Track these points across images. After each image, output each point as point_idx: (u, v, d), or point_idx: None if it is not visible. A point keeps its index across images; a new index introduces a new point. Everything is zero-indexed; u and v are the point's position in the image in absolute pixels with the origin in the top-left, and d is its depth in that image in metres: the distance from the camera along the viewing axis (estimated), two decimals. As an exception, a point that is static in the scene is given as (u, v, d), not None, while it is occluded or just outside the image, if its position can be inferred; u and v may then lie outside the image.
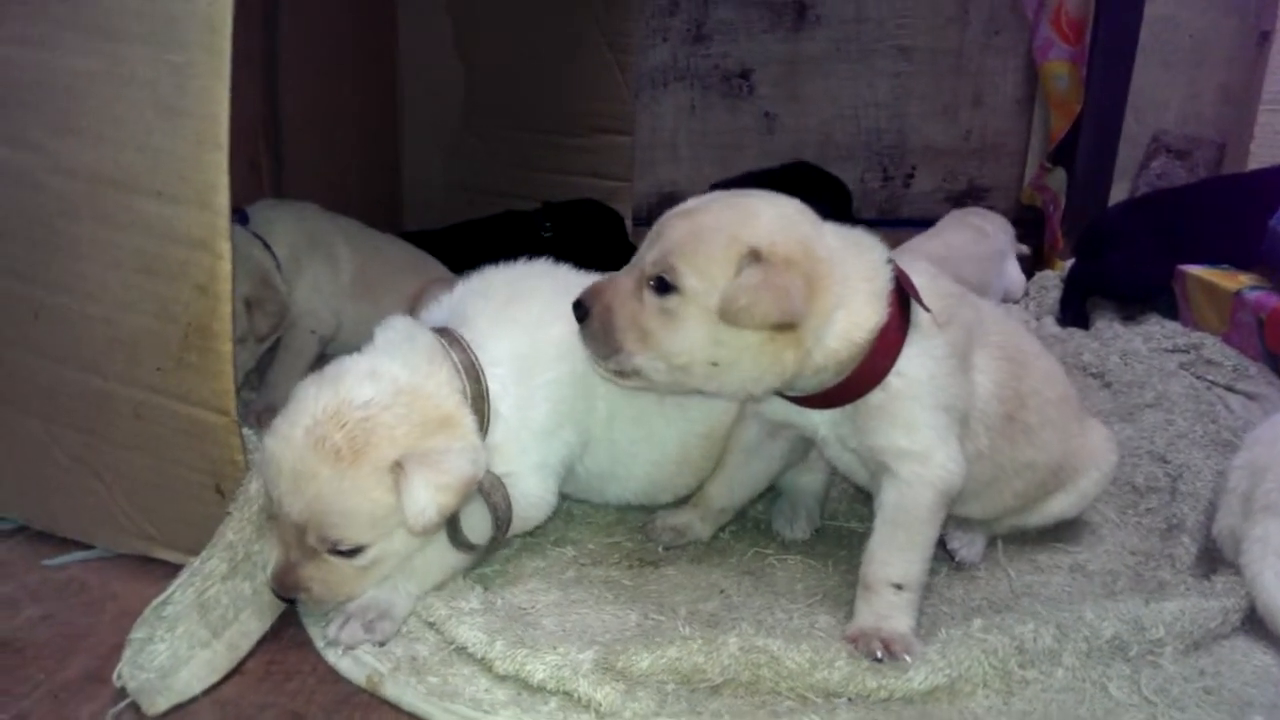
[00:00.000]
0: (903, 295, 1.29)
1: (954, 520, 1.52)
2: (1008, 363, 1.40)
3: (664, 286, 1.23)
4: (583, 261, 3.46)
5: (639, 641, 1.24)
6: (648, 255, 1.27)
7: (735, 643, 1.23)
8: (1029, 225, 3.44)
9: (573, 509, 1.68)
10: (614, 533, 1.63)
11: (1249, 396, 2.18)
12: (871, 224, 1.54)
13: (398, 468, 1.23)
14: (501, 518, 1.36)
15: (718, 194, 1.32)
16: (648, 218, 3.46)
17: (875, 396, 1.29)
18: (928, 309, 1.29)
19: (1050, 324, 2.85)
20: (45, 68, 1.34)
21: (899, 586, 1.30)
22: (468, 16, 3.33)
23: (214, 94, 1.26)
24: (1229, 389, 2.24)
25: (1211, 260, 2.68)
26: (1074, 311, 2.86)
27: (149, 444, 1.45)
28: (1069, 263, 3.05)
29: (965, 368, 1.34)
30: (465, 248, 2.91)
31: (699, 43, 3.45)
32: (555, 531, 1.60)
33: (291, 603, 1.33)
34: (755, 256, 1.20)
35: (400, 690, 1.21)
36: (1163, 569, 1.50)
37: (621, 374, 1.29)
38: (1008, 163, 3.58)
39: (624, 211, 3.26)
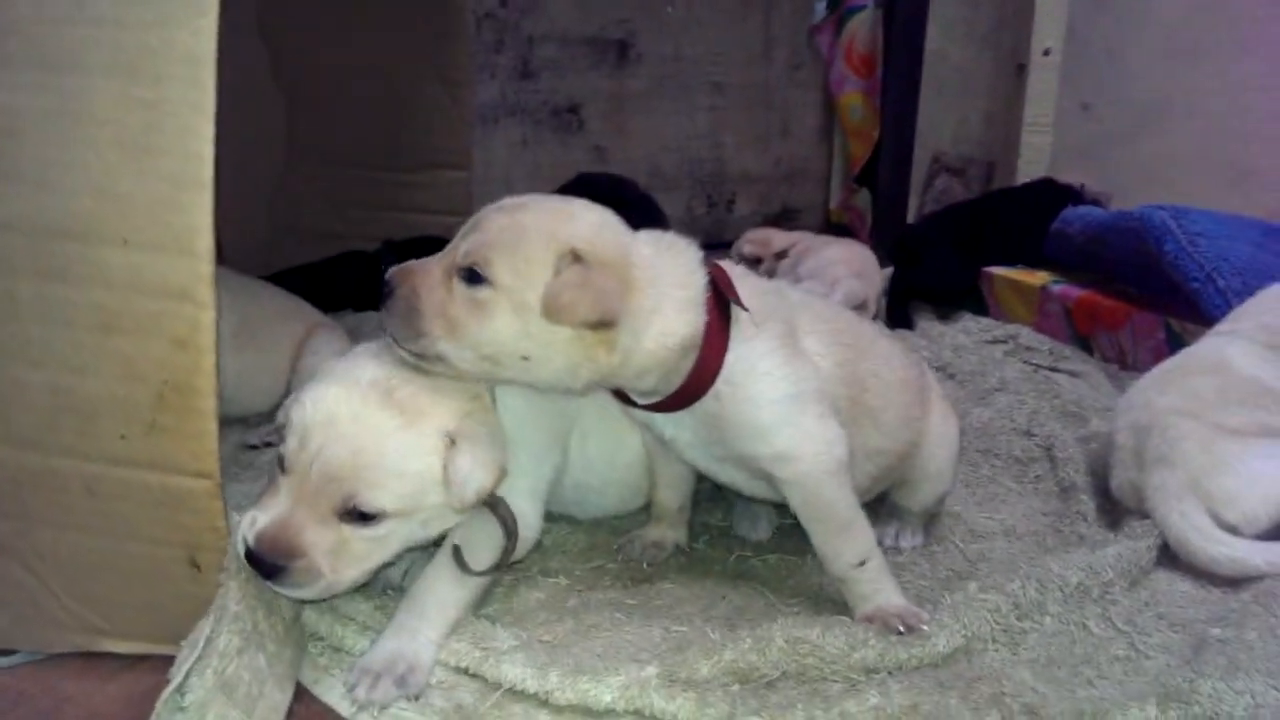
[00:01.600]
0: (722, 298, 1.33)
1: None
2: (843, 347, 1.46)
3: (475, 278, 1.23)
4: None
5: (693, 650, 1.28)
6: (461, 245, 1.27)
7: (780, 636, 1.29)
8: (838, 241, 3.76)
9: (542, 539, 1.66)
10: (592, 558, 1.63)
11: (1072, 374, 2.52)
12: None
13: (449, 438, 1.27)
14: (511, 530, 1.34)
15: (536, 195, 1.35)
16: (487, 252, 3.46)
17: (709, 405, 1.33)
18: (745, 308, 1.32)
19: (880, 327, 3.14)
20: (-30, 106, 1.18)
21: (861, 563, 1.39)
22: (287, 53, 3.17)
23: (196, 130, 1.17)
24: (1053, 370, 2.58)
25: (1006, 261, 3.08)
26: (899, 314, 3.17)
27: (103, 522, 1.29)
28: (884, 271, 3.38)
29: (797, 354, 1.38)
30: (307, 291, 2.77)
31: (527, 79, 3.50)
32: (536, 564, 1.59)
33: (268, 576, 1.23)
34: (574, 256, 1.23)
35: (462, 741, 1.17)
36: (1077, 524, 1.73)
37: (423, 358, 1.29)
38: (814, 186, 3.91)
39: (465, 247, 3.23)
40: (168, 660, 1.19)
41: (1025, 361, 2.67)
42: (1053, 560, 1.49)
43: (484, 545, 1.35)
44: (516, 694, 1.24)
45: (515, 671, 1.24)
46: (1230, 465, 1.62)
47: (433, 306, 1.25)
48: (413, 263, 1.30)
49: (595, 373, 1.28)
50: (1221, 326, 1.93)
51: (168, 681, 1.14)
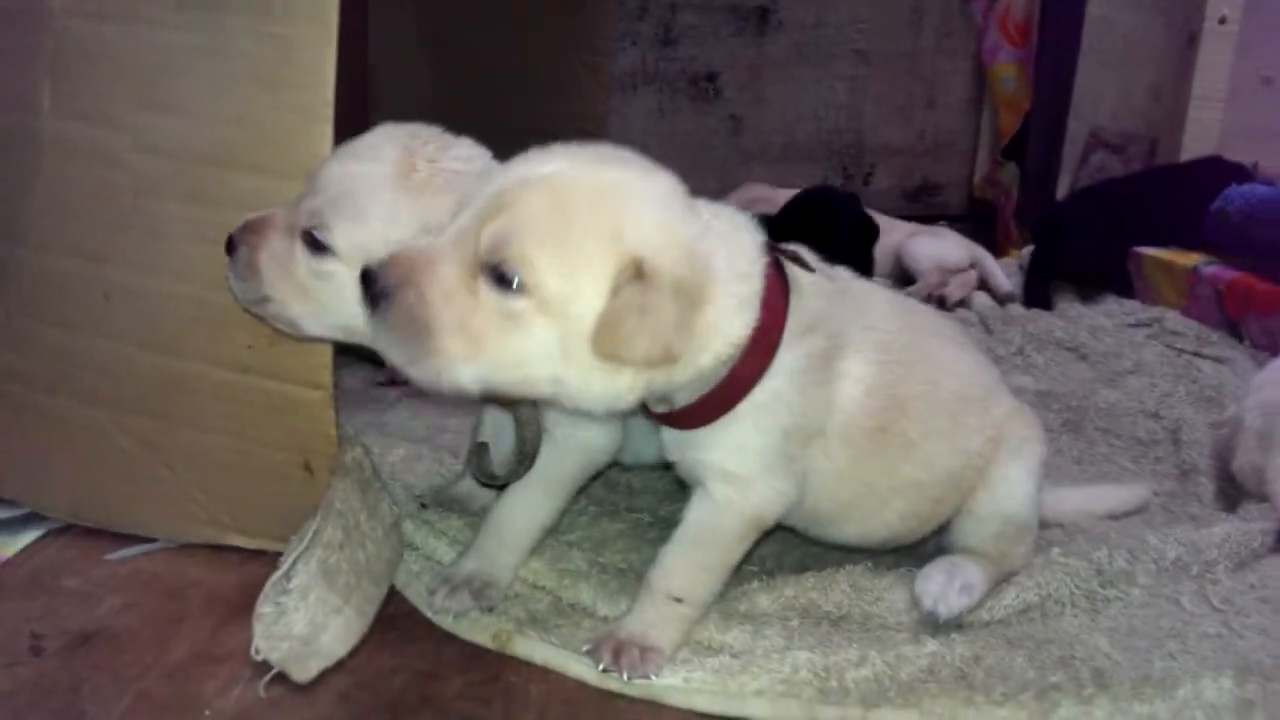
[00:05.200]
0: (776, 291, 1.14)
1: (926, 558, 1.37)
2: (890, 365, 1.23)
3: (506, 280, 0.99)
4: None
5: (756, 585, 1.32)
6: (485, 231, 1.00)
7: (845, 581, 1.31)
8: (980, 219, 3.64)
9: (631, 481, 1.72)
10: (676, 499, 1.67)
11: (1217, 360, 2.37)
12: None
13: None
14: (527, 452, 1.32)
15: (569, 152, 1.06)
16: (621, 217, 3.54)
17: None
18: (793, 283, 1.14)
19: (1015, 306, 3.02)
20: (129, 41, 1.33)
21: (679, 600, 1.19)
22: (437, 17, 3.34)
23: (320, 67, 1.27)
24: (1196, 355, 2.43)
25: (1159, 242, 2.90)
26: (1038, 294, 3.04)
27: (230, 425, 1.43)
28: (1025, 250, 3.24)
29: (826, 379, 1.18)
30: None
31: (667, 46, 3.54)
32: (623, 501, 1.64)
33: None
34: (637, 270, 0.98)
35: (532, 646, 1.24)
36: (1190, 505, 1.65)
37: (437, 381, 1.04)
38: (958, 160, 3.78)
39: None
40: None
41: (1168, 346, 2.52)
42: (1150, 533, 1.43)
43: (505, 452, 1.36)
44: (584, 611, 1.30)
45: (587, 594, 1.31)
46: (1366, 453, 1.50)
47: (450, 319, 1.00)
48: (411, 249, 1.03)
49: (635, 400, 1.07)
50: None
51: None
